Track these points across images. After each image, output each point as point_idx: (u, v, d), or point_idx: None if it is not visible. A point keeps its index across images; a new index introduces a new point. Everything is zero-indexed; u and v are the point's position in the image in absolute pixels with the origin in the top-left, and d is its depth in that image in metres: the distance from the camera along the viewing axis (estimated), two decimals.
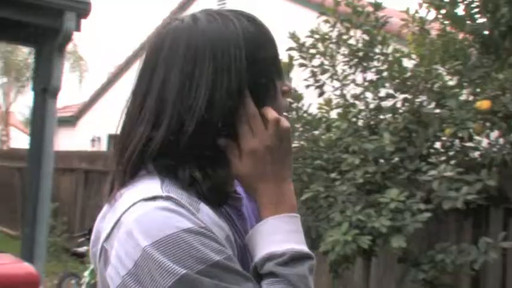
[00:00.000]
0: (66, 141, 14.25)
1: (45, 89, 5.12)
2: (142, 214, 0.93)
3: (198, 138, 0.96)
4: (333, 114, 4.40)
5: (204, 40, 1.00)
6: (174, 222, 0.93)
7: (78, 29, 5.03)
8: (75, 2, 5.05)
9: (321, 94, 4.33)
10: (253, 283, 0.96)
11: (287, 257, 0.95)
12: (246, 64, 1.01)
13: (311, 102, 4.33)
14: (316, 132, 4.29)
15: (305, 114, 4.28)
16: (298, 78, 4.24)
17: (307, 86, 4.34)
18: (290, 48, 4.25)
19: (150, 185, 1.00)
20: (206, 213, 0.97)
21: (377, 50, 4.11)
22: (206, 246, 0.92)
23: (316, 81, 4.32)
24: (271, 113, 1.00)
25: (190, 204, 0.98)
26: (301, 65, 4.26)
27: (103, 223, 0.99)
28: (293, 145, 3.13)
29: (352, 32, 4.16)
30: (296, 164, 4.05)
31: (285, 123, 1.02)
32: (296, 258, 0.95)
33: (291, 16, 8.64)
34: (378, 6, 4.10)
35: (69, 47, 7.56)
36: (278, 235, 0.98)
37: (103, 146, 15.68)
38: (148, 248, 0.90)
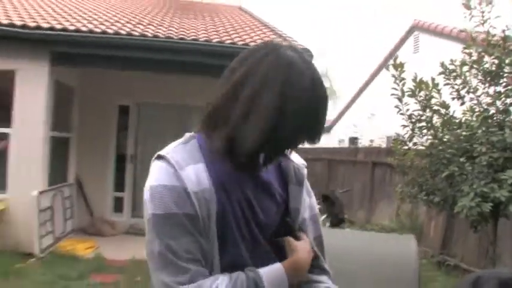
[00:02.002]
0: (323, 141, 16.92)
1: None
2: (151, 167, 1.22)
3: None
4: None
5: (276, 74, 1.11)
6: (156, 177, 1.17)
7: None
8: None
9: (462, 104, 4.74)
10: (188, 238, 1.13)
11: None
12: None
13: (455, 109, 4.75)
14: (458, 131, 4.60)
15: (451, 118, 4.68)
16: (446, 93, 4.76)
17: (453, 99, 4.77)
18: (440, 73, 4.73)
19: (172, 143, 1.25)
20: (192, 173, 1.15)
21: (506, 70, 4.41)
22: (162, 199, 1.14)
23: (458, 94, 4.73)
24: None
25: (179, 163, 1.17)
26: (446, 84, 4.72)
27: None
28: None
29: (486, 58, 4.52)
30: (440, 152, 4.58)
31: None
32: None
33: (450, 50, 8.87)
34: (506, 39, 4.44)
35: None
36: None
37: (345, 145, 18.98)
38: (145, 191, 1.18)
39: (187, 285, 1.10)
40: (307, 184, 1.40)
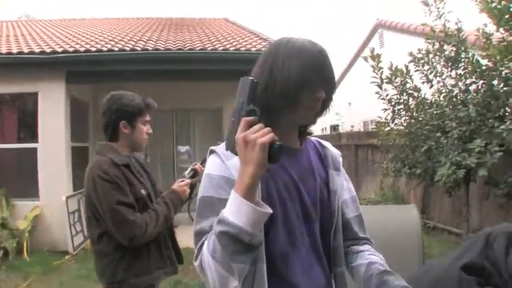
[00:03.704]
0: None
1: None
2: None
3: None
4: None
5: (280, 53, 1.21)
6: (208, 168, 1.24)
7: None
8: None
9: (431, 86, 4.94)
10: (211, 220, 1.14)
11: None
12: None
13: (425, 92, 4.97)
14: (430, 110, 4.81)
15: (423, 99, 4.90)
16: (416, 79, 4.97)
17: (423, 82, 4.97)
18: (410, 61, 4.93)
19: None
20: (237, 162, 1.11)
21: (462, 55, 4.65)
22: (208, 186, 1.20)
23: (427, 79, 4.93)
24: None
25: (226, 155, 1.19)
26: (416, 70, 4.93)
27: None
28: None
29: (445, 47, 4.75)
30: (418, 130, 4.77)
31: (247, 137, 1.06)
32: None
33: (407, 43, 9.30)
34: (459, 30, 4.66)
35: None
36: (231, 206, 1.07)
37: (327, 132, 19.05)
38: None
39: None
40: (343, 170, 1.43)
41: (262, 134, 1.05)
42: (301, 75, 1.17)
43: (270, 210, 1.08)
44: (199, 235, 1.17)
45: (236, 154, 1.11)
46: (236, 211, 1.05)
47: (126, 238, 2.08)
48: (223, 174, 1.19)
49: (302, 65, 1.18)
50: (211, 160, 1.25)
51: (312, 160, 1.35)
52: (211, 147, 1.28)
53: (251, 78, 1.15)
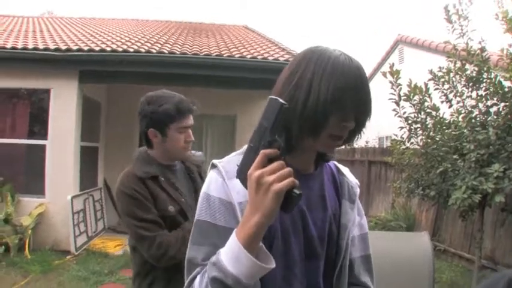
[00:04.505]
0: None
1: None
2: (207, 174, 1.14)
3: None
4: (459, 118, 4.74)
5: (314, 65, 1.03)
6: (207, 185, 1.10)
7: None
8: None
9: (450, 106, 4.80)
10: (204, 250, 1.04)
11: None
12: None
13: (444, 111, 4.83)
14: (448, 131, 4.71)
15: (441, 119, 4.76)
16: (435, 98, 4.81)
17: (442, 102, 4.83)
18: (429, 79, 4.78)
19: (231, 154, 1.16)
20: (239, 183, 0.99)
21: (484, 76, 4.51)
22: (205, 208, 1.07)
23: (447, 98, 4.78)
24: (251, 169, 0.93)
25: (228, 173, 1.07)
26: (436, 88, 4.78)
27: None
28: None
29: (467, 66, 4.60)
30: (434, 150, 4.64)
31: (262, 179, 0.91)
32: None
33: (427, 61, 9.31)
34: (483, 49, 4.52)
35: None
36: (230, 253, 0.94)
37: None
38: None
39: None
40: (358, 203, 1.27)
41: (280, 178, 0.90)
42: (332, 98, 1.00)
43: (273, 265, 0.96)
44: (191, 264, 1.06)
45: (246, 187, 0.96)
46: (235, 259, 0.93)
47: (146, 255, 1.95)
48: (223, 197, 1.06)
49: (335, 85, 1.00)
50: (211, 177, 1.10)
51: (325, 186, 1.19)
52: (214, 161, 1.12)
53: (281, 101, 0.94)
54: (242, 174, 0.97)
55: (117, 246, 7.00)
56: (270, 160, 0.93)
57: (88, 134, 7.55)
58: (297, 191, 0.92)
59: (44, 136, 6.82)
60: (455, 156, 4.46)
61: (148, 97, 2.06)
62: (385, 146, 9.20)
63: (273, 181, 0.90)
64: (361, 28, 70.27)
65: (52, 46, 6.74)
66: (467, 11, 4.61)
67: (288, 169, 0.92)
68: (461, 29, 4.66)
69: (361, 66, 1.06)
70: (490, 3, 5.01)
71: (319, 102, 1.00)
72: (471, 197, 4.12)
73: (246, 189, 0.96)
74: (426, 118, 4.79)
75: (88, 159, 7.58)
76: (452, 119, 4.86)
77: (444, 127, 4.79)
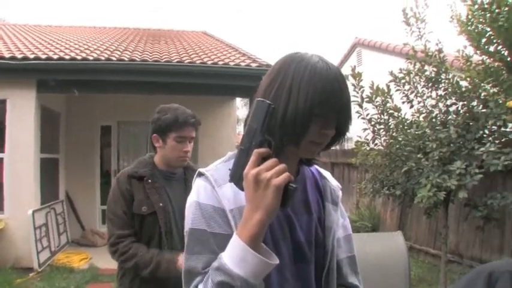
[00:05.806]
0: None
1: None
2: (194, 183, 1.12)
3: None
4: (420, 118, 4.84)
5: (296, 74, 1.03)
6: (196, 194, 1.08)
7: None
8: None
9: (411, 107, 4.90)
10: (203, 258, 1.01)
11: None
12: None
13: (406, 111, 4.91)
14: (410, 130, 4.77)
15: (403, 120, 4.84)
16: (397, 99, 4.91)
17: (403, 102, 4.91)
18: (390, 81, 4.86)
19: (215, 162, 1.15)
20: (229, 190, 1.03)
21: (443, 76, 4.65)
22: (199, 217, 1.04)
23: (408, 98, 4.88)
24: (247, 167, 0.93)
25: (217, 181, 1.07)
26: (397, 90, 4.85)
27: None
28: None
29: (426, 67, 4.72)
30: (398, 150, 4.74)
31: (260, 175, 0.91)
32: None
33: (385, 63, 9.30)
34: (440, 51, 4.69)
35: None
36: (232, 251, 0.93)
37: None
38: (186, 206, 1.10)
39: None
40: (341, 206, 1.30)
41: (277, 173, 0.91)
42: (311, 107, 1.00)
43: (277, 261, 0.96)
44: (190, 274, 1.04)
45: (241, 189, 0.96)
46: (240, 260, 0.92)
47: (109, 250, 2.14)
48: (215, 204, 1.05)
49: (313, 93, 1.00)
50: (199, 185, 1.09)
51: (308, 191, 1.21)
52: (200, 169, 1.12)
53: (268, 102, 0.97)
54: (236, 176, 0.97)
55: (82, 260, 6.81)
56: (263, 159, 0.94)
57: (48, 146, 7.30)
58: (293, 185, 0.94)
59: (1, 149, 6.55)
60: (419, 155, 4.54)
61: (159, 107, 2.29)
62: (346, 148, 9.32)
63: (271, 176, 0.91)
64: (318, 32, 71.30)
65: (7, 54, 6.49)
66: (424, 14, 4.76)
67: (283, 165, 0.93)
68: (419, 31, 4.79)
69: (339, 72, 1.06)
70: (445, 6, 5.19)
71: (298, 111, 1.00)
72: (436, 194, 4.22)
73: (242, 190, 0.96)
74: (389, 119, 4.89)
75: (48, 171, 7.33)
76: (413, 119, 4.95)
77: (406, 127, 4.88)
